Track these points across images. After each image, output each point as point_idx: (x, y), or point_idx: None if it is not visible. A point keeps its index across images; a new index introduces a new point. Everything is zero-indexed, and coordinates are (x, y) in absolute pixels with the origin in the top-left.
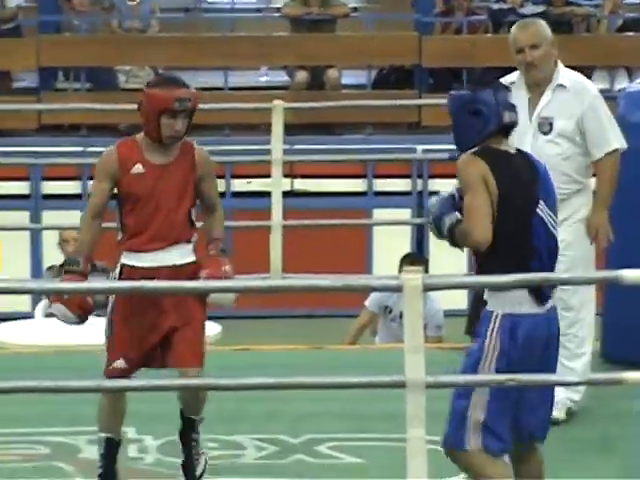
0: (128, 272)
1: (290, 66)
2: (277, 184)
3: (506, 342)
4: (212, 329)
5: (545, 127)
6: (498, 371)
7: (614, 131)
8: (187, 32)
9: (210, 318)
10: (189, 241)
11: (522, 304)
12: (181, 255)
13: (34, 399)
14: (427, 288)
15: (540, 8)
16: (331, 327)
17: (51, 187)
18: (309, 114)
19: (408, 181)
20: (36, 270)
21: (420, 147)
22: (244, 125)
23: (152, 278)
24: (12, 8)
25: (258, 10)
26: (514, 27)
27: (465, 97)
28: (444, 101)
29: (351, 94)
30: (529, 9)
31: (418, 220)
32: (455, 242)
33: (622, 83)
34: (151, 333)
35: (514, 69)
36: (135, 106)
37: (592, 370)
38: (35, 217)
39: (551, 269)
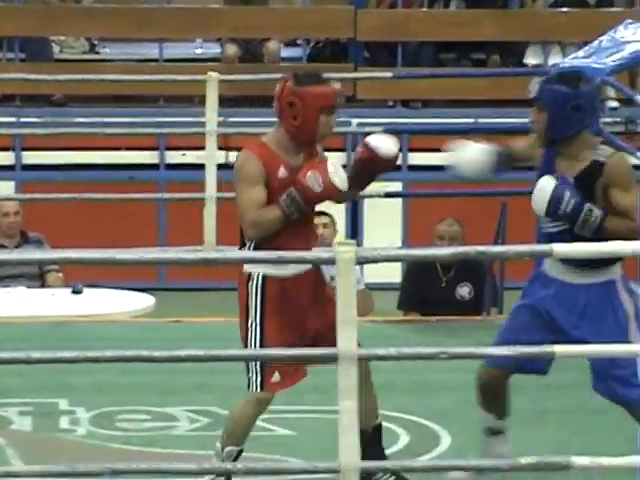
0: (272, 283)
1: (224, 39)
2: (211, 156)
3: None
4: (144, 301)
5: None
6: None
7: None
8: (122, 3)
9: (142, 290)
10: None
11: None
12: None
13: None
14: (360, 261)
15: None
16: None
17: None
18: (245, 87)
19: (344, 154)
20: None
21: (355, 120)
22: (179, 97)
23: (299, 286)
24: None
25: None
26: None
27: (568, 93)
28: (379, 75)
29: (287, 67)
30: None
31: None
32: (598, 233)
33: (555, 59)
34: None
35: (448, 44)
36: (68, 77)
37: None
38: None
39: None
